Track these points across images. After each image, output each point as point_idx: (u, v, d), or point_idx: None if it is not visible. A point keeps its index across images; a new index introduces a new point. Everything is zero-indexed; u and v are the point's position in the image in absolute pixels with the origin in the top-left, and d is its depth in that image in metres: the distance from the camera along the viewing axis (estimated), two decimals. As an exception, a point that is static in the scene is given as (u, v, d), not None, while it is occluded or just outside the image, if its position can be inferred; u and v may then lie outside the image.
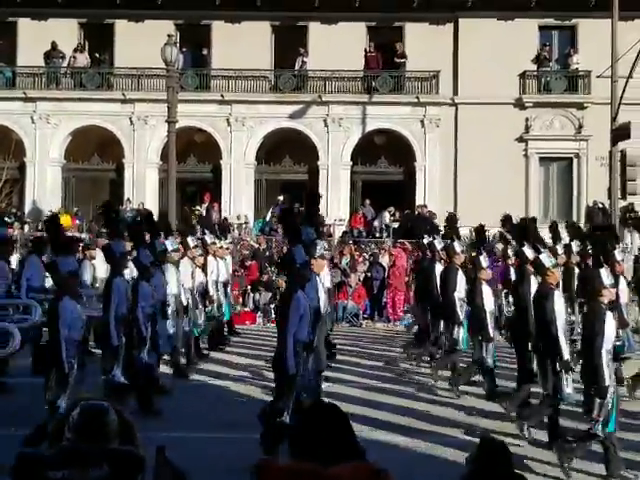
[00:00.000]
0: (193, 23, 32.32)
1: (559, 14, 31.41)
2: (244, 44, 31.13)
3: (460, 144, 31.27)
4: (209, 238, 16.29)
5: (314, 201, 12.39)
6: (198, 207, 30.57)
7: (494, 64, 30.12)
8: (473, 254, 13.84)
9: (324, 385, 11.39)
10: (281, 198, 31.06)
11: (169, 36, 24.71)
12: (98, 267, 16.39)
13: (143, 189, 31.63)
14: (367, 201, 30.95)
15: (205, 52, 32.41)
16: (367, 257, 25.61)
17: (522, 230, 12.13)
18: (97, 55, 32.82)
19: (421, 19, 31.50)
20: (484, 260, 12.54)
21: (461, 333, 12.88)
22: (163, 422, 10.07)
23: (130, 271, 12.05)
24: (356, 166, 31.92)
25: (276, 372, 8.95)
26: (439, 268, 14.19)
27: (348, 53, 31.01)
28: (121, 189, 31.93)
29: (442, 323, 13.58)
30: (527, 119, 31.36)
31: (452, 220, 15.71)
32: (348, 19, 31.53)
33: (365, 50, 31.82)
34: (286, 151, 32.31)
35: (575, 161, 31.58)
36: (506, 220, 14.73)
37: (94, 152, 32.90)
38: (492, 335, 12.03)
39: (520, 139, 31.44)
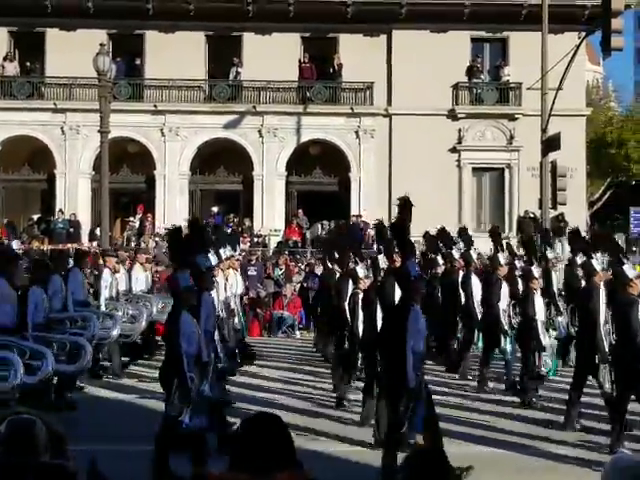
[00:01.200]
0: (126, 32, 31.99)
1: (491, 27, 31.90)
2: (178, 54, 30.93)
3: (394, 154, 31.51)
4: (227, 251, 15.54)
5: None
6: (132, 218, 30.30)
7: (427, 75, 30.46)
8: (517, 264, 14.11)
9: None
10: (215, 209, 30.95)
11: (101, 45, 24.44)
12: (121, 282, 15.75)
13: (75, 200, 31.17)
14: (300, 211, 30.98)
15: (138, 62, 32.14)
16: (303, 267, 25.59)
17: (600, 240, 12.21)
18: (27, 64, 32.29)
19: (355, 30, 31.69)
20: (536, 270, 12.76)
21: (508, 346, 13.04)
22: (92, 435, 9.86)
23: None
24: (291, 176, 31.92)
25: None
26: (476, 280, 14.14)
27: (282, 64, 31.04)
28: (52, 200, 31.42)
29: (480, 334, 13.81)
30: (460, 130, 31.76)
31: (495, 232, 15.66)
32: (282, 30, 31.56)
33: (299, 61, 31.90)
34: (221, 161, 32.16)
35: (507, 171, 32.05)
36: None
37: (25, 162, 32.31)
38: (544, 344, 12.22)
39: (453, 150, 31.82)
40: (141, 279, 16.57)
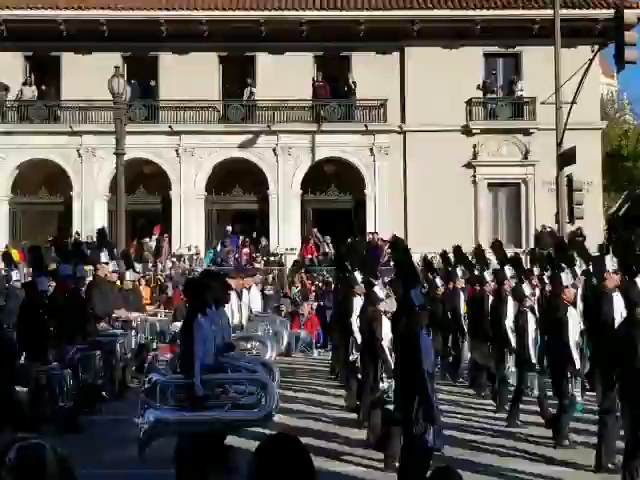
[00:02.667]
0: (140, 55, 32.20)
1: (503, 42, 31.92)
2: (192, 75, 31.12)
3: (409, 171, 31.51)
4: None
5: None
6: (147, 239, 30.40)
7: (441, 91, 30.49)
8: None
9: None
10: (230, 228, 31.01)
11: (116, 68, 24.63)
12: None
13: (92, 222, 31.25)
14: (315, 229, 31.00)
15: (153, 83, 32.32)
16: (320, 286, 25.58)
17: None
18: (43, 88, 32.56)
19: (368, 48, 31.77)
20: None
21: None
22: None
23: None
24: (306, 195, 31.96)
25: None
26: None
27: (296, 83, 31.17)
28: (69, 222, 31.57)
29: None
30: (474, 145, 31.72)
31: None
32: (295, 49, 31.70)
33: (313, 79, 32.01)
34: (236, 181, 32.24)
35: (523, 186, 31.95)
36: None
37: (42, 185, 32.51)
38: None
39: (468, 165, 31.77)
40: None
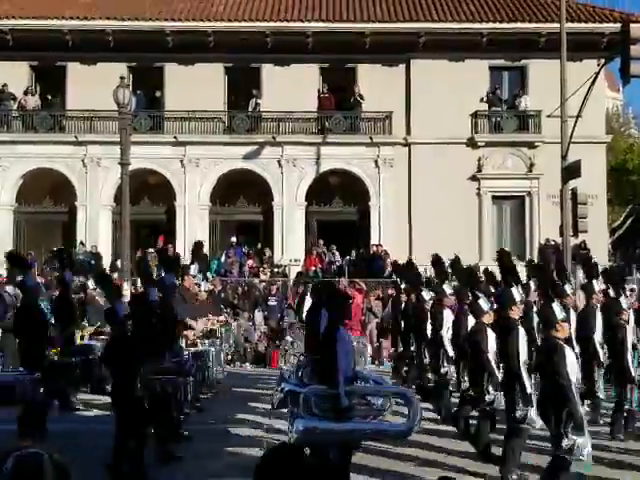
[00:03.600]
0: (146, 65, 32.26)
1: (509, 55, 31.94)
2: (197, 86, 31.17)
3: (414, 184, 31.48)
4: None
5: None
6: (151, 249, 30.34)
7: (446, 104, 30.52)
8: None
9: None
10: (234, 239, 30.99)
11: (121, 78, 24.61)
12: None
13: (96, 232, 31.31)
14: (320, 241, 30.96)
15: (158, 94, 32.36)
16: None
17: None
18: (49, 97, 32.61)
19: (373, 60, 31.81)
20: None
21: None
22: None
23: None
24: (311, 206, 31.94)
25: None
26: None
27: (301, 94, 31.19)
28: (73, 232, 31.58)
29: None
30: (479, 158, 31.70)
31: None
32: (301, 61, 31.75)
33: (318, 91, 32.01)
34: (240, 192, 32.24)
35: (527, 199, 31.91)
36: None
37: (46, 195, 32.54)
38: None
39: (473, 178, 31.74)
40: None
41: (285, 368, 9.73)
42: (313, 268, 29.57)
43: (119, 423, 9.64)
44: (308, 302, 14.71)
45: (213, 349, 15.52)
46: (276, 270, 29.79)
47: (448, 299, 12.87)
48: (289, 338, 23.14)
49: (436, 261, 16.04)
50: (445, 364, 12.51)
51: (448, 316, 12.77)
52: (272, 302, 24.77)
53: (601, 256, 30.54)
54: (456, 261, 15.28)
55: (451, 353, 12.39)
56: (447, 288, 13.66)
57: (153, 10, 31.95)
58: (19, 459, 4.11)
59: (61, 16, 31.24)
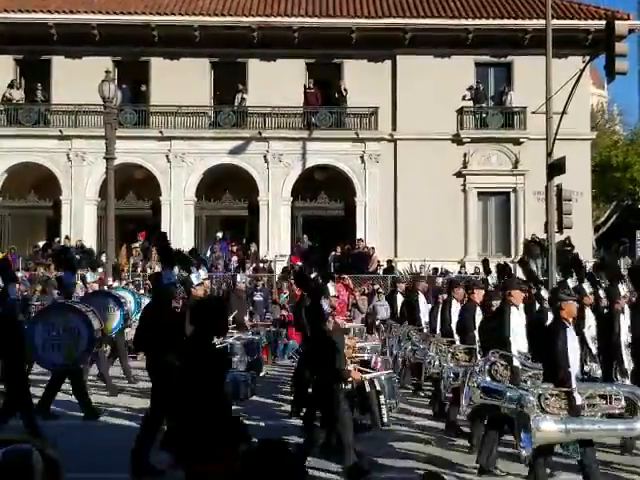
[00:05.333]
0: (131, 59, 32.13)
1: (495, 51, 32.01)
2: (183, 80, 31.10)
3: (399, 179, 31.53)
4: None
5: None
6: (137, 245, 30.31)
7: (432, 100, 30.58)
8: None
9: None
10: (220, 234, 30.95)
11: (107, 72, 24.53)
12: None
13: (81, 226, 31.21)
14: (305, 236, 30.96)
15: (144, 88, 32.28)
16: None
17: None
18: (34, 91, 32.44)
19: (360, 56, 31.81)
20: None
21: None
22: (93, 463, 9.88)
23: None
24: (296, 201, 31.93)
25: None
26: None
27: (287, 90, 31.17)
28: (58, 226, 31.46)
29: None
30: (465, 154, 31.77)
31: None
32: (287, 56, 31.72)
33: (304, 86, 31.99)
34: (226, 187, 32.20)
35: (512, 196, 32.02)
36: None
37: (30, 189, 32.40)
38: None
39: (458, 174, 31.81)
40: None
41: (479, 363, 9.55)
42: (299, 263, 29.57)
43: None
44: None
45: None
46: (261, 265, 29.78)
47: (588, 298, 12.64)
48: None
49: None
50: (588, 362, 12.19)
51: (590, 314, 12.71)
52: (257, 297, 24.74)
53: (585, 253, 30.68)
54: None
55: (594, 351, 12.22)
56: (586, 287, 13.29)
57: (139, 4, 31.86)
58: (7, 454, 4.09)
59: (46, 9, 31.11)
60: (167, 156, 31.62)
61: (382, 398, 10.09)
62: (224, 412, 6.17)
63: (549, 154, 24.69)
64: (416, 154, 30.89)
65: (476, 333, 11.75)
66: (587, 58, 28.57)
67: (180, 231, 31.28)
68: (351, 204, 31.89)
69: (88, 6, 31.36)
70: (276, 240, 31.31)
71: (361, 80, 31.43)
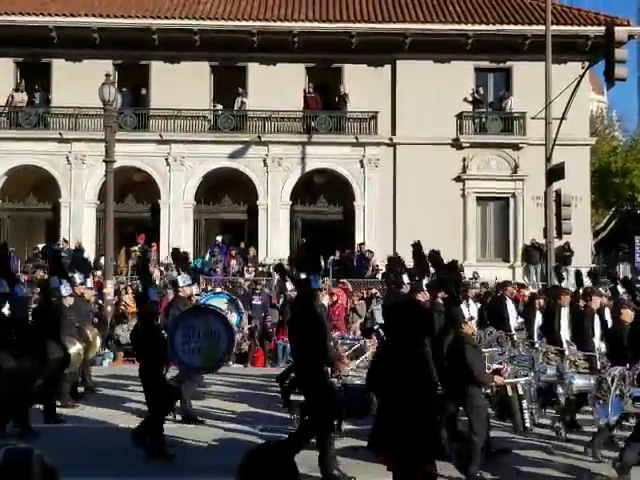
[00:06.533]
0: (132, 63, 32.16)
1: (494, 57, 32.04)
2: (183, 84, 31.12)
3: (399, 184, 31.55)
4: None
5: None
6: (136, 248, 30.29)
7: (431, 105, 30.62)
8: None
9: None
10: (219, 238, 30.95)
11: (107, 75, 24.56)
12: None
13: (80, 229, 31.21)
14: (304, 240, 30.92)
15: (144, 92, 32.29)
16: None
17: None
18: (34, 94, 32.46)
19: (359, 61, 31.84)
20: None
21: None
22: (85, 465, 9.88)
23: None
24: (296, 205, 31.95)
25: None
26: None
27: (287, 94, 31.20)
28: (57, 229, 31.47)
29: None
30: (464, 159, 31.79)
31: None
32: (287, 60, 31.74)
33: (304, 91, 32.02)
34: (225, 191, 32.20)
35: (512, 201, 32.03)
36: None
37: (30, 192, 32.40)
38: None
39: (458, 179, 31.83)
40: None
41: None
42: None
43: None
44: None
45: None
46: (260, 269, 29.78)
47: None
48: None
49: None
50: None
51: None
52: (256, 301, 24.74)
53: (584, 258, 30.73)
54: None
55: None
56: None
57: (139, 7, 31.90)
58: (8, 454, 4.11)
59: (47, 12, 31.13)
60: (166, 159, 31.64)
61: (524, 403, 10.08)
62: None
63: (548, 159, 24.75)
64: (415, 159, 30.92)
65: (595, 341, 11.74)
66: (586, 64, 28.63)
67: (179, 234, 31.29)
68: (350, 208, 31.90)
69: (88, 9, 31.40)
70: (275, 244, 31.32)
71: (361, 84, 31.46)
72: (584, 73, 25.81)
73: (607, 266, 37.75)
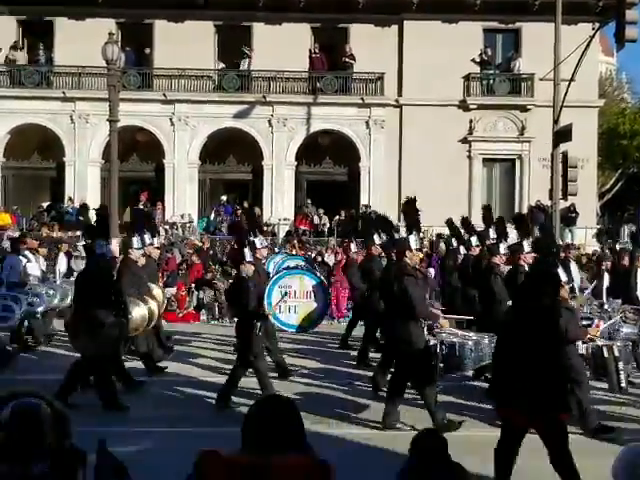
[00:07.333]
0: (135, 22, 31.87)
1: (503, 17, 31.68)
2: (187, 43, 30.82)
3: (404, 145, 31.38)
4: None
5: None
6: (141, 206, 30.23)
7: (439, 66, 30.30)
8: None
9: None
10: (224, 198, 30.90)
11: (110, 34, 24.30)
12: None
13: (84, 188, 31.16)
14: (308, 201, 30.93)
15: (147, 51, 32.03)
16: (312, 256, 25.49)
17: None
18: (37, 53, 32.22)
19: (366, 20, 31.51)
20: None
21: None
22: (103, 416, 10.01)
23: None
24: (301, 166, 31.84)
25: None
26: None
27: (293, 54, 30.91)
28: (62, 188, 31.42)
29: None
30: (471, 121, 31.58)
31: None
32: (293, 20, 31.42)
33: (310, 51, 31.74)
34: (230, 151, 32.10)
35: (518, 162, 31.89)
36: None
37: (34, 150, 32.32)
38: None
39: (464, 140, 31.65)
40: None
41: None
42: (302, 228, 29.58)
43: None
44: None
45: None
46: (265, 229, 29.72)
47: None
48: None
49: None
50: None
51: None
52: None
53: (589, 219, 30.71)
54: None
55: None
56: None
57: (144, -35, 31.52)
58: (16, 407, 4.12)
59: (50, -31, 30.79)
60: (171, 119, 31.47)
61: (620, 364, 10.20)
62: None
63: (556, 121, 24.58)
64: (422, 120, 30.71)
65: None
66: (597, 25, 28.28)
67: (184, 194, 31.25)
68: (355, 169, 31.78)
69: (92, -34, 31.04)
70: (280, 204, 31.26)
71: (367, 45, 31.15)
72: (594, 34, 25.52)
73: (611, 227, 37.74)
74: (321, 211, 30.47)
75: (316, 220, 30.05)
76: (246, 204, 31.50)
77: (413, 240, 10.40)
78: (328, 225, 29.78)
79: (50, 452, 4.04)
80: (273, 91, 31.53)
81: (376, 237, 15.10)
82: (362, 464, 8.18)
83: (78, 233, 25.55)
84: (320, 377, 13.30)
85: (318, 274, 13.43)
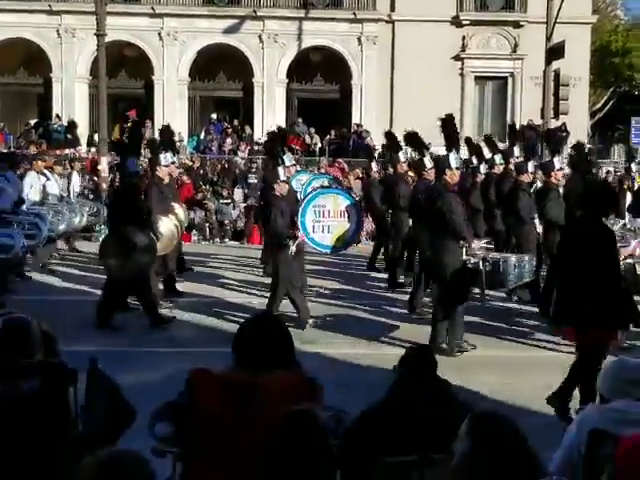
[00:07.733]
0: None
1: None
2: (176, -45, 30.17)
3: (397, 62, 31.04)
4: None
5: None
6: (129, 124, 29.95)
7: (431, -20, 29.78)
8: None
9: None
10: (214, 116, 30.63)
11: (97, -55, 23.72)
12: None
13: (72, 105, 30.80)
14: (299, 119, 30.66)
15: (135, -38, 31.31)
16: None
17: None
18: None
19: None
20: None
21: None
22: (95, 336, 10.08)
23: None
24: (292, 83, 31.50)
25: None
26: None
27: (283, -34, 30.31)
28: (49, 105, 31.05)
29: None
30: (464, 37, 31.21)
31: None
32: None
33: (301, -37, 31.12)
34: (220, 67, 31.67)
35: (510, 80, 31.66)
36: None
37: (20, 65, 31.83)
38: None
39: (457, 57, 31.33)
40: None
41: None
42: (293, 146, 29.39)
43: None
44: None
45: None
46: (256, 148, 29.57)
47: None
48: None
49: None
50: None
51: None
52: (252, 180, 24.66)
53: (580, 139, 30.55)
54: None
55: None
56: None
57: None
58: (8, 323, 4.19)
59: None
60: (159, 34, 30.95)
61: None
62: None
63: (549, 38, 24.34)
64: (414, 36, 30.28)
65: None
66: (592, -62, 27.79)
67: (173, 111, 30.91)
68: (347, 87, 31.48)
69: None
70: (270, 122, 30.94)
71: (359, -42, 30.54)
72: (589, -52, 25.09)
73: (602, 147, 37.67)
74: (312, 130, 30.25)
75: (307, 140, 29.83)
76: (236, 122, 31.30)
77: (453, 158, 10.25)
78: (320, 145, 29.58)
79: (40, 369, 4.10)
80: (264, 5, 31.01)
81: (401, 155, 14.82)
82: (347, 382, 8.10)
83: (67, 151, 25.41)
84: (343, 297, 13.25)
85: (352, 194, 13.32)
